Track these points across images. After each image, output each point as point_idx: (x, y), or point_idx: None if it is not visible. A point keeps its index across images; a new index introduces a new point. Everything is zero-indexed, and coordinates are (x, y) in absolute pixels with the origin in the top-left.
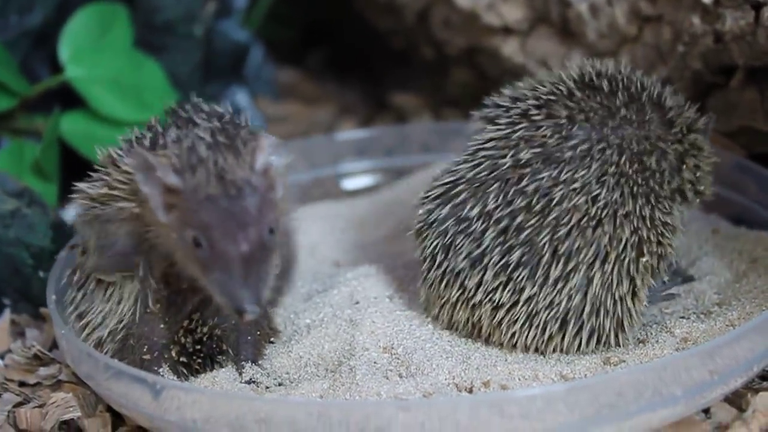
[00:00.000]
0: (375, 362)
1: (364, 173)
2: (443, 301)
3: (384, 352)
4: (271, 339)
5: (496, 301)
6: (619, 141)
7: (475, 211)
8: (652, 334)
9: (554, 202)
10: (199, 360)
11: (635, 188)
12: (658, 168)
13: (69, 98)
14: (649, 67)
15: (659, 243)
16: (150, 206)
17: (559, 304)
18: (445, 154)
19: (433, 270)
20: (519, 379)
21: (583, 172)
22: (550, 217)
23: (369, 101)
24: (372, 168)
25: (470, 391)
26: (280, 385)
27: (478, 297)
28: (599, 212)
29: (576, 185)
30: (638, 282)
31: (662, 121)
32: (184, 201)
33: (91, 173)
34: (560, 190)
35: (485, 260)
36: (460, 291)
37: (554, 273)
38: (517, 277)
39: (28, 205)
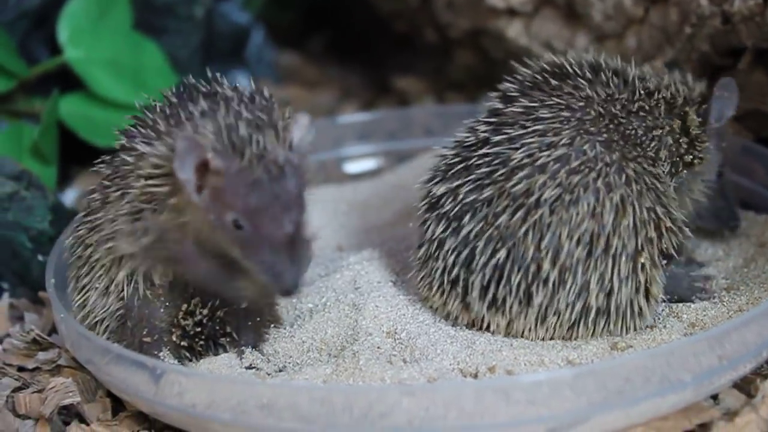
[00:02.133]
0: (378, 347)
1: (366, 157)
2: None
3: (387, 337)
4: (273, 324)
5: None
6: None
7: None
8: (659, 319)
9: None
10: (201, 342)
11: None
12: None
13: (68, 80)
14: (655, 49)
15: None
16: (183, 190)
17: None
18: (448, 138)
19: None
20: (525, 365)
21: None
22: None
23: (371, 85)
24: (374, 152)
25: (475, 376)
26: (282, 370)
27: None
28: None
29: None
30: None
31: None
32: (224, 182)
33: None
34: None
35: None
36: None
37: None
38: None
39: (27, 188)
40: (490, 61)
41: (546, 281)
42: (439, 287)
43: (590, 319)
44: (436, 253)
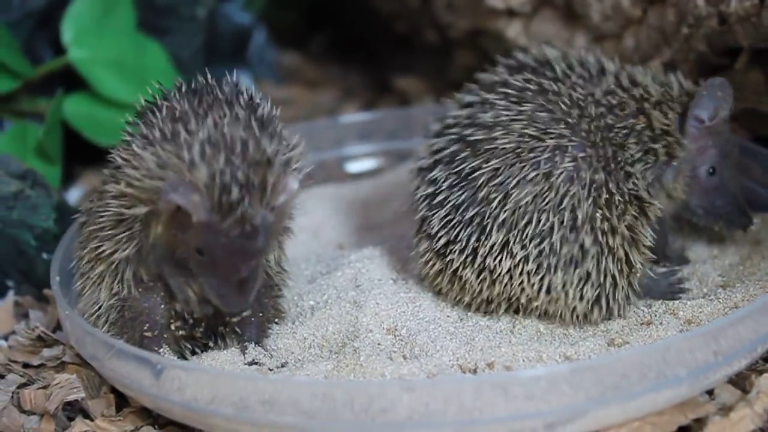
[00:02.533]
0: (379, 344)
1: (367, 156)
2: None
3: (388, 334)
4: (276, 320)
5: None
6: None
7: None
8: (656, 315)
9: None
10: (200, 333)
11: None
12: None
13: (72, 80)
14: (653, 49)
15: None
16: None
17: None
18: None
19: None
20: (523, 361)
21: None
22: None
23: (372, 85)
24: (375, 151)
25: (474, 372)
26: (284, 366)
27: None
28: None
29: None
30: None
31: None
32: (202, 230)
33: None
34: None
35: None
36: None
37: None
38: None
39: (32, 186)
40: (489, 61)
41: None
42: (429, 260)
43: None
44: (424, 229)
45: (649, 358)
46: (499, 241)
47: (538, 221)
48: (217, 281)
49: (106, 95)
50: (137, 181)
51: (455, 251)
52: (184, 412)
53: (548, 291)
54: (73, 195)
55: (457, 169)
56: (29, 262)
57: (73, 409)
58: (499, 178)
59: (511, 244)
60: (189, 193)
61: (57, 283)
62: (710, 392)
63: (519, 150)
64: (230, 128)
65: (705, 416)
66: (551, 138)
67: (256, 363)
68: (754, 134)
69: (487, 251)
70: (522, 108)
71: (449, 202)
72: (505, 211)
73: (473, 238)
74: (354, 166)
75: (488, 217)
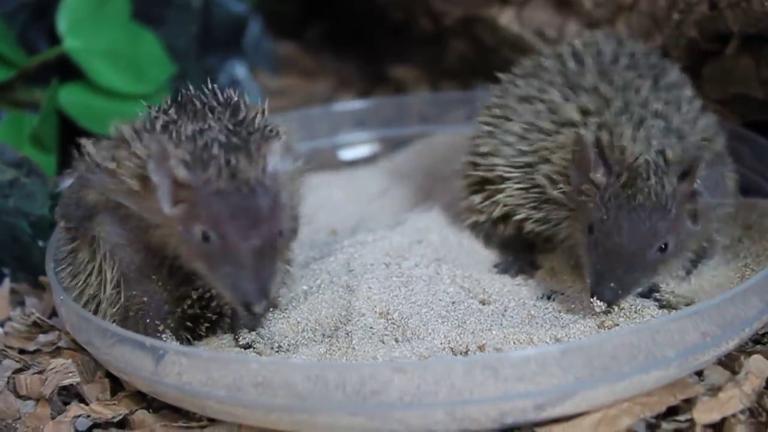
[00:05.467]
0: (371, 327)
1: (362, 144)
2: None
3: (380, 318)
4: (271, 309)
5: None
6: None
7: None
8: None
9: None
10: (205, 318)
11: None
12: None
13: (67, 70)
14: (644, 35)
15: None
16: (155, 196)
17: None
18: (443, 125)
19: None
20: (514, 343)
21: None
22: None
23: (367, 74)
24: (370, 139)
25: (465, 354)
26: (278, 350)
27: None
28: None
29: None
30: None
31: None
32: (194, 196)
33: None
34: None
35: None
36: None
37: None
38: None
39: (27, 174)
40: (483, 49)
41: None
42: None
43: None
44: None
45: (639, 340)
46: None
47: None
48: (230, 268)
49: (101, 85)
50: (130, 165)
51: None
52: (179, 395)
53: None
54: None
55: None
56: (25, 249)
57: (69, 394)
58: None
59: None
60: (167, 152)
61: (52, 269)
62: (699, 373)
63: None
64: (208, 126)
65: (694, 397)
66: None
67: (250, 347)
68: (744, 119)
69: None
70: None
71: None
72: None
73: None
74: (349, 154)
75: None
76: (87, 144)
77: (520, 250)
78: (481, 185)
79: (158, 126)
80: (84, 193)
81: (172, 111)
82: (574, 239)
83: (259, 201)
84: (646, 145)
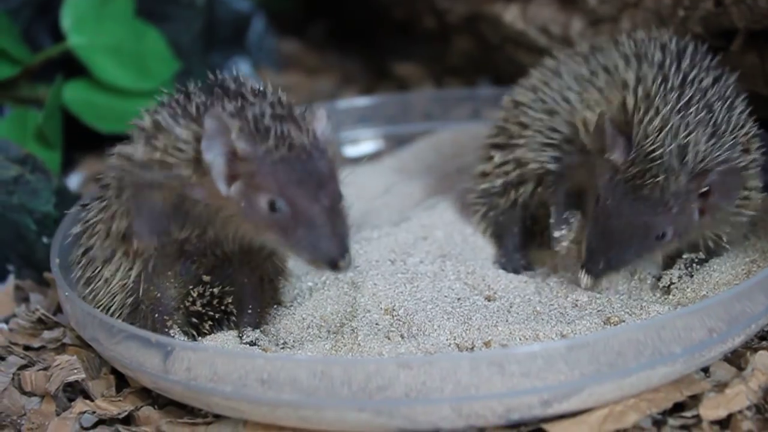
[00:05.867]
0: (377, 323)
1: (366, 141)
2: None
3: (385, 314)
4: (275, 306)
5: None
6: None
7: None
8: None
9: None
10: (210, 316)
11: None
12: None
13: (71, 67)
14: (649, 32)
15: None
16: (209, 178)
17: None
18: (447, 122)
19: None
20: (520, 339)
21: None
22: None
23: (370, 71)
24: (374, 136)
25: (471, 350)
26: (283, 346)
27: None
28: None
29: None
30: None
31: None
32: (256, 167)
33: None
34: None
35: None
36: None
37: None
38: None
39: (32, 171)
40: (487, 46)
41: None
42: None
43: None
44: None
45: (645, 336)
46: None
47: None
48: (305, 232)
49: (105, 81)
50: (177, 151)
51: None
52: (185, 391)
53: None
54: (73, 180)
55: None
56: (29, 246)
57: (74, 390)
58: None
59: None
60: (227, 126)
61: (57, 266)
62: (705, 369)
63: None
64: (252, 101)
65: (700, 393)
66: None
67: (255, 344)
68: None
69: None
70: None
71: None
72: None
73: None
74: (353, 150)
75: None
76: (121, 148)
77: (517, 244)
78: (504, 142)
79: (193, 108)
80: (148, 196)
81: (197, 96)
82: (586, 195)
83: (318, 164)
84: (673, 135)
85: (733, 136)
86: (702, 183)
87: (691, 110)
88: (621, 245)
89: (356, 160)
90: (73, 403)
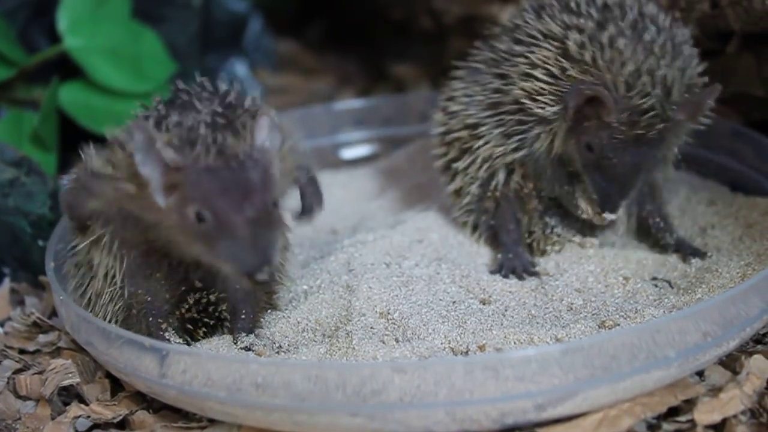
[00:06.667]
0: (371, 327)
1: (362, 143)
2: None
3: (380, 318)
4: (269, 311)
5: None
6: None
7: None
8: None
9: None
10: (204, 322)
11: None
12: None
13: (67, 68)
14: None
15: None
16: (148, 191)
17: None
18: None
19: None
20: (514, 343)
21: None
22: None
23: (368, 72)
24: (370, 137)
25: (466, 354)
26: (278, 350)
27: None
28: None
29: None
30: None
31: None
32: (185, 177)
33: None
34: None
35: None
36: None
37: None
38: None
39: (27, 174)
40: None
41: None
42: None
43: None
44: None
45: (639, 339)
46: None
47: None
48: (228, 242)
49: (101, 83)
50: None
51: None
52: (180, 395)
53: None
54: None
55: None
56: (25, 248)
57: (69, 394)
58: None
59: None
60: (152, 137)
61: (52, 269)
62: (700, 373)
63: None
64: (195, 108)
65: (695, 397)
66: None
67: (250, 349)
68: (746, 118)
69: None
70: None
71: None
72: None
73: None
74: (349, 153)
75: None
76: (88, 150)
77: (517, 240)
78: (458, 155)
79: (150, 120)
80: (84, 199)
81: (161, 107)
82: (564, 153)
83: (248, 174)
84: (652, 80)
85: (689, 54)
86: (687, 110)
87: (648, 41)
88: (629, 184)
89: (352, 163)
90: (68, 407)
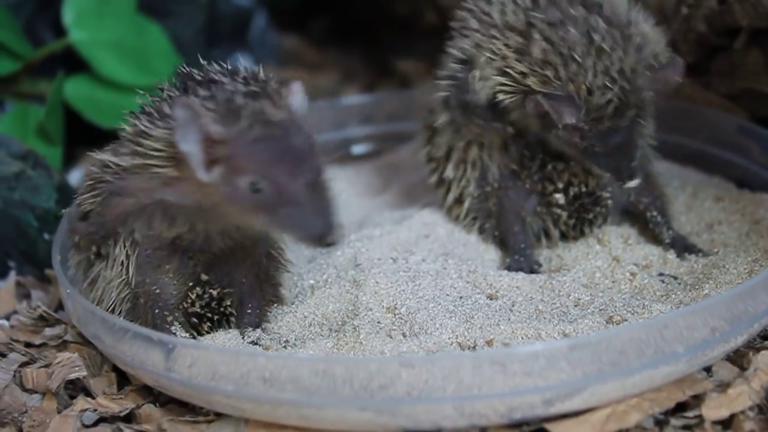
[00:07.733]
0: (378, 322)
1: (368, 138)
2: None
3: (387, 312)
4: (276, 305)
5: None
6: None
7: None
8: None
9: None
10: (208, 317)
11: None
12: None
13: (73, 62)
14: None
15: None
16: (191, 171)
17: None
18: None
19: None
20: (522, 338)
21: None
22: None
23: (372, 68)
24: (376, 133)
25: (473, 349)
26: (285, 344)
27: None
28: None
29: None
30: None
31: None
32: (232, 149)
33: (115, 144)
34: None
35: None
36: None
37: None
38: None
39: (33, 167)
40: None
41: None
42: None
43: None
44: None
45: (647, 335)
46: None
47: None
48: (289, 210)
49: (107, 77)
50: (157, 152)
51: None
52: (187, 389)
53: None
54: (74, 176)
55: None
56: (31, 242)
57: (75, 388)
58: None
59: None
60: (197, 112)
61: (58, 262)
62: (708, 369)
63: None
64: (224, 82)
65: (703, 393)
66: None
67: (257, 344)
68: (754, 114)
69: None
70: None
71: None
72: None
73: None
74: (354, 148)
75: None
76: (98, 154)
77: (523, 242)
78: (435, 165)
79: (166, 108)
80: (114, 204)
81: (170, 94)
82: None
83: (296, 139)
84: (609, 75)
85: (640, 32)
86: (658, 77)
87: (598, 41)
88: (629, 152)
89: (358, 158)
90: (74, 401)
